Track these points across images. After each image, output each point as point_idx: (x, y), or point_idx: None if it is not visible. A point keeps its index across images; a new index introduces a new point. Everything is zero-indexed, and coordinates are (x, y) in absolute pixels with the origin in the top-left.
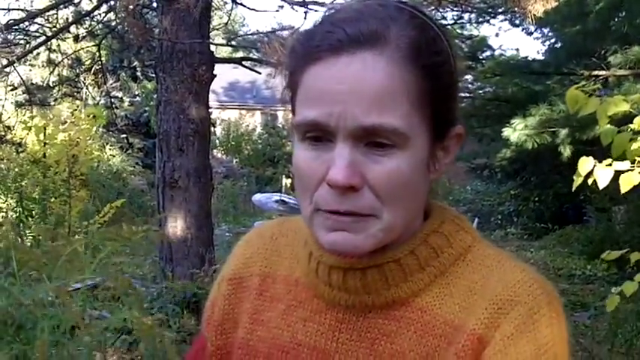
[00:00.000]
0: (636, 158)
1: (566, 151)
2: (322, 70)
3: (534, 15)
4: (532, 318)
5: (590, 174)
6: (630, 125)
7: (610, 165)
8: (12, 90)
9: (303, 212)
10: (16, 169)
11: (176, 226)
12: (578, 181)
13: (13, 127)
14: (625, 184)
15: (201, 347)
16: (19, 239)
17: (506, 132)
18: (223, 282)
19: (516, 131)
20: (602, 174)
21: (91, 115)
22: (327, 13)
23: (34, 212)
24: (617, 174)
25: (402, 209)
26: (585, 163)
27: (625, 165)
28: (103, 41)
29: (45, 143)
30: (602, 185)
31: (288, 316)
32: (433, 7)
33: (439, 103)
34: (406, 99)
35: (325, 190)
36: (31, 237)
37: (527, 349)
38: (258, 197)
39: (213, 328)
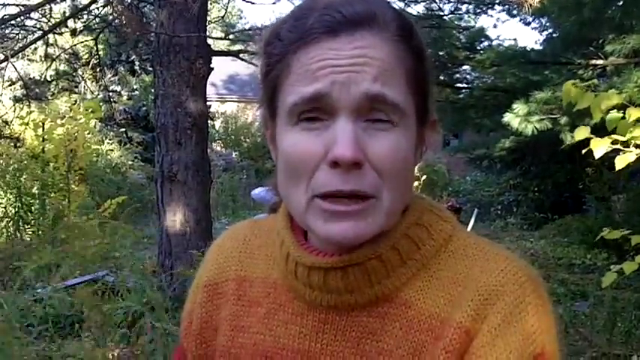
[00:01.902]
0: (636, 141)
1: (568, 139)
2: (320, 50)
3: (530, 5)
4: (518, 307)
5: (586, 146)
6: (629, 110)
7: (609, 137)
8: (9, 85)
9: (296, 204)
10: (15, 165)
11: (175, 219)
12: (570, 143)
13: (11, 122)
14: (620, 162)
15: (182, 357)
16: (19, 235)
17: (508, 117)
18: (199, 289)
19: (518, 117)
20: (597, 145)
21: (90, 110)
22: (307, 1)
23: (33, 207)
24: (613, 153)
25: (400, 191)
26: (582, 132)
27: (621, 137)
28: (100, 35)
29: (43, 138)
30: (597, 155)
31: (269, 320)
32: None
33: (424, 86)
34: (402, 78)
35: (325, 172)
36: (30, 232)
37: (514, 339)
38: (257, 191)
39: (192, 338)
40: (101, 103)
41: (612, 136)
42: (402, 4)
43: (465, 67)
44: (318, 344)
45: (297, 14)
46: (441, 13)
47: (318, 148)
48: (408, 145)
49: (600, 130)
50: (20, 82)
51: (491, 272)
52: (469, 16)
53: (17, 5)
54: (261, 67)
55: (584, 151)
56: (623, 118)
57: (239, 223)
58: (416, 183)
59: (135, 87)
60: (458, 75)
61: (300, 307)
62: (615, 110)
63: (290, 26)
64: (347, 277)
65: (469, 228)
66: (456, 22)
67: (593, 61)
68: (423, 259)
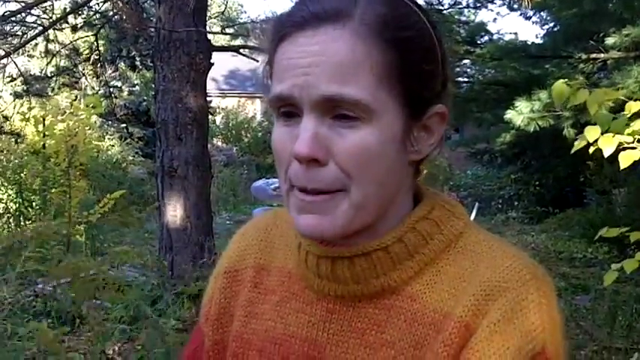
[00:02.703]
0: (637, 136)
1: (570, 134)
2: (288, 45)
3: (530, 0)
4: (520, 305)
5: (592, 145)
6: (624, 113)
7: (614, 137)
8: (10, 81)
9: (282, 192)
10: (16, 161)
11: (175, 214)
12: (580, 145)
13: (11, 116)
14: (625, 161)
15: (200, 343)
16: (20, 231)
17: (510, 114)
18: (219, 276)
19: (521, 114)
20: (606, 145)
21: (91, 105)
22: None
23: (34, 203)
24: (617, 151)
25: (372, 185)
26: (593, 132)
27: (628, 138)
28: (101, 31)
29: (44, 134)
30: (607, 153)
31: (282, 308)
32: None
33: (411, 79)
34: (370, 72)
35: (294, 166)
36: (31, 228)
37: (513, 335)
38: (257, 183)
39: (210, 323)
40: (102, 99)
41: (618, 136)
42: None
43: (465, 61)
44: (325, 333)
45: (282, 12)
46: (441, 8)
47: (290, 142)
48: (379, 141)
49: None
50: (21, 78)
51: (496, 268)
52: (469, 11)
53: (18, 2)
54: (263, 58)
55: (591, 150)
56: (615, 119)
57: (264, 213)
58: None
59: (135, 82)
60: (458, 69)
61: (310, 297)
62: (608, 109)
63: (273, 21)
64: (353, 266)
65: None
66: (456, 17)
67: (594, 55)
68: (431, 253)
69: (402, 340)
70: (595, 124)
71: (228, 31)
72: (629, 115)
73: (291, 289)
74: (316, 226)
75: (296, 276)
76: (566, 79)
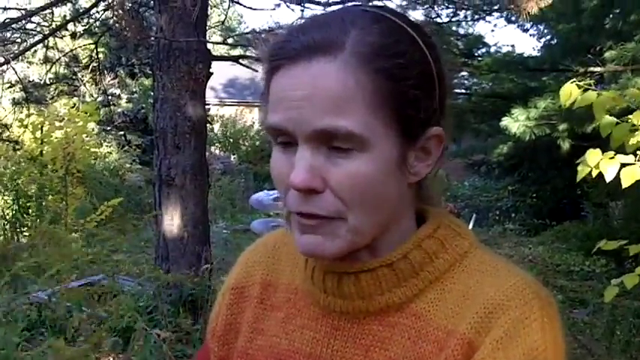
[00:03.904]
0: (638, 153)
1: (565, 145)
2: (281, 78)
3: (529, 13)
4: (523, 323)
5: (594, 168)
6: (629, 117)
7: (613, 158)
8: (9, 88)
9: (285, 213)
10: (13, 167)
11: (172, 224)
12: (583, 172)
13: (10, 125)
14: (627, 179)
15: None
16: (16, 237)
17: (506, 121)
18: (227, 292)
19: (517, 122)
20: (608, 167)
21: (87, 113)
22: (294, 23)
23: (30, 210)
24: (619, 168)
25: (369, 212)
26: (593, 156)
27: (630, 158)
28: (101, 39)
29: (42, 141)
30: (609, 178)
31: (287, 325)
32: (428, 6)
33: (405, 105)
34: (362, 103)
35: (292, 193)
36: (27, 234)
37: (516, 353)
38: (256, 196)
39: (216, 339)
40: (100, 106)
41: (618, 156)
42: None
43: (462, 73)
44: (329, 350)
45: (278, 35)
46: (439, 21)
47: (287, 170)
48: (375, 168)
49: (599, 137)
50: (20, 85)
51: (500, 287)
52: (467, 23)
53: (19, 9)
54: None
55: (594, 174)
56: (618, 123)
57: (274, 231)
58: None
59: (134, 90)
60: (456, 81)
61: (315, 313)
62: (610, 115)
63: (269, 48)
64: (359, 282)
65: None
66: (454, 29)
67: (592, 68)
68: (435, 271)
69: (406, 358)
70: (591, 133)
71: (227, 40)
72: (636, 126)
73: (296, 306)
74: (317, 246)
75: (302, 292)
76: (575, 80)
